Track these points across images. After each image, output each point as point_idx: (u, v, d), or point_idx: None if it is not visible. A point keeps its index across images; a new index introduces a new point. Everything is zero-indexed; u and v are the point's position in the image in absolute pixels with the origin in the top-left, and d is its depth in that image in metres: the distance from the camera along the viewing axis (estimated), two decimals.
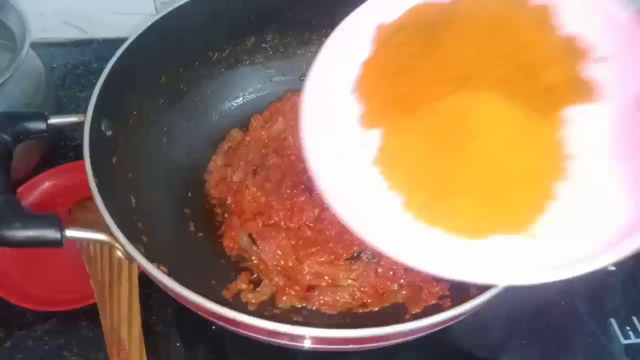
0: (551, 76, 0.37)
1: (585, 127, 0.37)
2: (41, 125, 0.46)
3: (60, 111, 0.73)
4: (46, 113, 0.46)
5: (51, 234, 0.40)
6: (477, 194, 0.35)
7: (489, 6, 0.40)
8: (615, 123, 0.37)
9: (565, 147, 0.37)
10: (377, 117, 0.40)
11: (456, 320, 0.41)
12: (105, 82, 0.49)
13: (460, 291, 0.48)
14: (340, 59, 0.41)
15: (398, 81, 0.39)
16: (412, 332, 0.40)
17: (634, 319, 0.56)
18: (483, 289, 0.41)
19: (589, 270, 0.33)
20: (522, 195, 0.36)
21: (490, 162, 0.35)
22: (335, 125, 0.40)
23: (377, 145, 0.39)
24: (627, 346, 0.54)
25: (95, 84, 0.50)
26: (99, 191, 0.42)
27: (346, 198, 0.37)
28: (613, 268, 0.59)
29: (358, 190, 0.38)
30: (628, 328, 0.55)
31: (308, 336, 0.39)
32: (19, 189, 0.61)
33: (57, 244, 0.41)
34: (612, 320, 0.56)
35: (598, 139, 0.37)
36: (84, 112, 0.47)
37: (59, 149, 0.70)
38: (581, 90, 0.38)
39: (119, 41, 0.53)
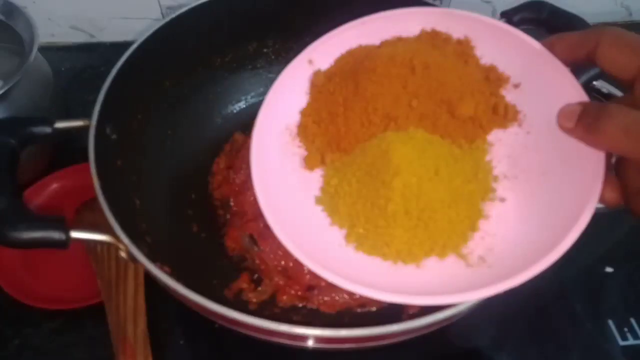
0: (468, 108, 0.41)
1: (509, 149, 0.41)
2: (47, 130, 0.47)
3: (67, 115, 0.74)
4: (52, 118, 0.47)
5: (56, 235, 0.41)
6: (407, 225, 0.38)
7: (410, 46, 0.43)
8: (534, 143, 0.40)
9: (493, 169, 0.41)
10: (316, 160, 0.44)
11: (454, 319, 0.41)
12: (110, 86, 0.51)
13: None
14: (281, 108, 0.46)
15: (332, 127, 0.44)
16: (408, 331, 0.40)
17: (632, 320, 0.56)
18: None
19: (517, 284, 0.35)
20: (450, 219, 0.38)
21: (415, 194, 0.38)
22: (282, 167, 0.44)
23: (319, 185, 0.43)
24: (624, 348, 0.54)
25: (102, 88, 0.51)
26: (103, 193, 0.43)
27: (294, 232, 0.39)
28: (611, 269, 0.59)
29: (305, 225, 0.41)
30: (626, 329, 0.56)
31: (307, 335, 0.40)
32: (27, 191, 0.63)
33: (62, 245, 0.42)
34: (610, 322, 0.56)
35: (522, 159, 0.41)
36: (91, 115, 0.49)
37: (66, 150, 0.70)
38: (499, 116, 0.42)
39: (126, 45, 0.54)
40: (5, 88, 0.56)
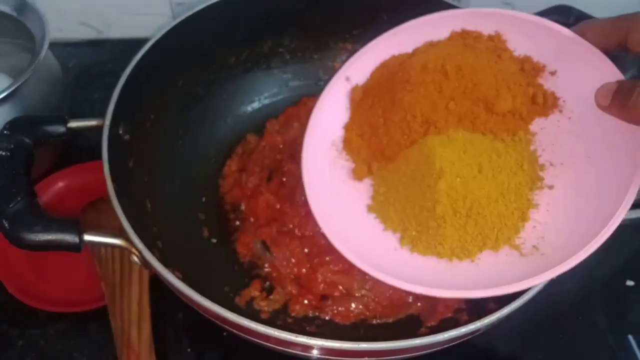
0: (506, 102, 0.42)
1: (553, 137, 0.42)
2: (61, 129, 0.46)
3: (75, 112, 0.73)
4: (66, 117, 0.47)
5: (70, 238, 0.40)
6: (457, 223, 0.40)
7: (442, 51, 0.44)
8: (577, 128, 0.41)
9: (538, 158, 0.42)
10: (364, 170, 0.46)
11: (473, 335, 0.40)
12: (123, 86, 0.49)
13: (477, 305, 0.47)
14: (325, 125, 0.48)
15: (374, 138, 0.46)
16: (427, 346, 0.40)
17: None
18: (501, 303, 0.40)
19: (570, 267, 0.36)
20: (499, 213, 0.40)
21: (461, 194, 0.39)
22: (332, 181, 0.47)
23: (370, 194, 0.46)
24: None
25: (110, 84, 0.50)
26: (117, 196, 0.42)
27: (351, 241, 0.42)
28: (632, 283, 0.58)
29: (360, 233, 0.43)
30: None
31: (322, 347, 0.39)
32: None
33: (75, 248, 0.41)
34: (630, 337, 0.55)
35: (566, 145, 0.42)
36: (99, 113, 0.47)
37: (73, 149, 0.70)
38: (539, 105, 0.43)
39: (135, 42, 0.53)
40: (16, 85, 0.55)
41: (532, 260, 0.39)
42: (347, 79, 0.48)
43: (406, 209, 0.41)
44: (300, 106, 0.65)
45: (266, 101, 0.66)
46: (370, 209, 0.45)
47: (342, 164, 0.47)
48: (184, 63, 0.58)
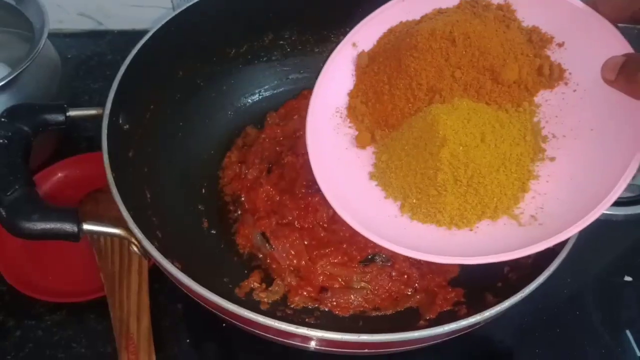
0: (512, 72, 0.42)
1: (557, 109, 0.42)
2: (60, 118, 0.46)
3: (74, 102, 0.73)
4: (65, 105, 0.46)
5: (68, 227, 0.40)
6: (457, 192, 0.40)
7: (450, 18, 0.44)
8: (582, 101, 0.41)
9: (541, 130, 0.42)
10: (367, 138, 0.46)
11: (471, 329, 0.40)
12: (123, 76, 0.49)
13: (475, 298, 0.47)
14: (330, 92, 0.48)
15: (379, 105, 0.45)
16: (427, 339, 0.40)
17: None
18: (500, 296, 0.40)
19: (566, 237, 0.37)
20: (499, 183, 0.40)
21: (462, 162, 0.39)
22: (335, 147, 0.46)
23: (372, 162, 0.46)
24: None
25: (109, 75, 0.50)
26: (116, 186, 0.42)
27: (352, 207, 0.42)
28: (629, 278, 0.58)
29: (361, 199, 0.43)
30: None
31: (321, 338, 0.39)
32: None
33: (74, 237, 0.40)
34: (628, 332, 0.55)
35: (570, 118, 0.41)
36: (98, 104, 0.47)
37: (71, 139, 0.69)
38: (545, 77, 0.42)
39: (134, 33, 0.53)
40: (15, 74, 0.54)
41: (530, 230, 0.39)
42: (354, 44, 0.47)
43: (407, 177, 0.42)
44: (300, 99, 0.65)
45: (266, 93, 0.66)
46: (372, 176, 0.45)
47: (346, 130, 0.47)
48: (183, 54, 0.58)
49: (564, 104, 0.42)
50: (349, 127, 0.47)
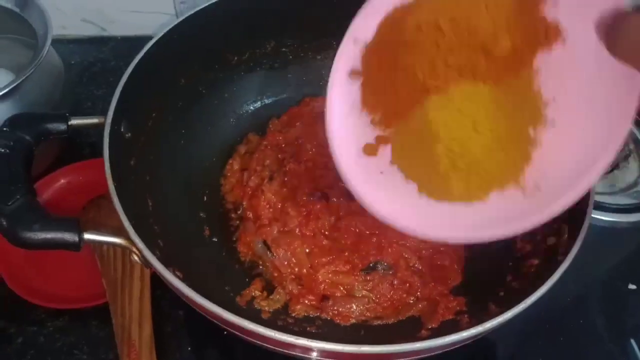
0: (505, 44, 0.40)
1: (557, 70, 0.41)
2: (62, 127, 0.46)
3: (77, 109, 0.73)
4: (67, 114, 0.46)
5: (69, 237, 0.40)
6: (460, 175, 0.41)
7: (437, 4, 0.43)
8: (581, 59, 0.40)
9: (542, 96, 0.42)
10: (383, 125, 0.46)
11: (474, 339, 0.40)
12: (125, 84, 0.49)
13: (478, 307, 0.47)
14: (345, 87, 0.47)
15: (386, 97, 0.46)
16: (429, 350, 0.39)
17: None
18: (502, 306, 0.40)
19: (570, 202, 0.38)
20: (498, 162, 0.41)
21: (458, 153, 0.41)
22: (356, 133, 0.46)
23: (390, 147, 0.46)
24: None
25: (112, 82, 0.50)
26: (117, 195, 0.42)
27: (374, 192, 0.43)
28: (634, 287, 0.58)
29: (383, 184, 0.44)
30: None
31: (321, 349, 0.39)
32: (35, 186, 0.62)
33: (75, 247, 0.40)
34: (632, 341, 0.55)
35: (569, 78, 0.41)
36: (101, 110, 0.47)
37: (74, 145, 0.69)
38: (540, 39, 0.41)
39: (137, 39, 0.53)
40: (18, 81, 0.55)
41: (535, 198, 0.40)
42: (355, 39, 0.46)
43: (419, 161, 0.43)
44: (302, 106, 0.65)
45: (268, 101, 0.66)
46: (392, 160, 0.45)
47: (365, 120, 0.47)
48: (186, 61, 0.58)
49: (563, 64, 0.41)
50: (366, 116, 0.47)
